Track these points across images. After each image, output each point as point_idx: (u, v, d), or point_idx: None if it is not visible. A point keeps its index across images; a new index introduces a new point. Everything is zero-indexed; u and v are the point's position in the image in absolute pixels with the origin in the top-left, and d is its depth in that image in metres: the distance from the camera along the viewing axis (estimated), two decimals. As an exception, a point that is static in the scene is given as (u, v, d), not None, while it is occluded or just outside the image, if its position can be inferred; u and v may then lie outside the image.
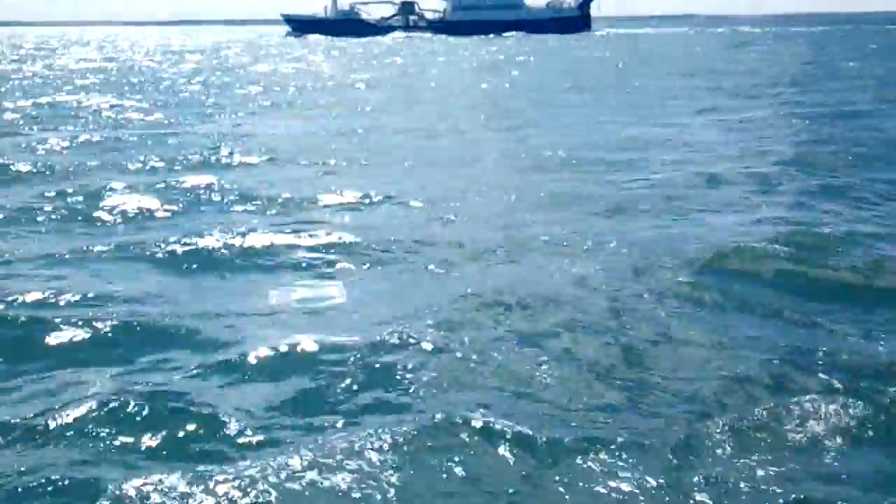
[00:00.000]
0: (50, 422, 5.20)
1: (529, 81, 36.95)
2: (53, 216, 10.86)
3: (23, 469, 4.73)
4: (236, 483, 4.45)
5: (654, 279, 7.99)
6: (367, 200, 11.79)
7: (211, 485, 4.43)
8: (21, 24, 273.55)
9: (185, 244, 9.13)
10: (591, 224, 10.42)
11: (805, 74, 36.13)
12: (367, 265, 8.67)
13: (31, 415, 5.33)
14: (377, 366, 6.07)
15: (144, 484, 4.45)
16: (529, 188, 12.71)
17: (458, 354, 6.25)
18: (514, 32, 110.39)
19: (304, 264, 8.70)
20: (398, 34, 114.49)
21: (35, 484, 4.58)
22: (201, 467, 4.65)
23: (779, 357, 6.21)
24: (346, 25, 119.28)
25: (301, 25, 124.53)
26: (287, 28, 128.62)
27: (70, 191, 12.12)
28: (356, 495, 4.41)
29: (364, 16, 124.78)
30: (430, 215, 10.97)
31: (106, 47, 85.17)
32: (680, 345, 6.52)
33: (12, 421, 5.24)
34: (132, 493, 4.37)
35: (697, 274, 8.10)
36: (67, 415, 5.26)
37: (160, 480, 4.47)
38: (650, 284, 7.83)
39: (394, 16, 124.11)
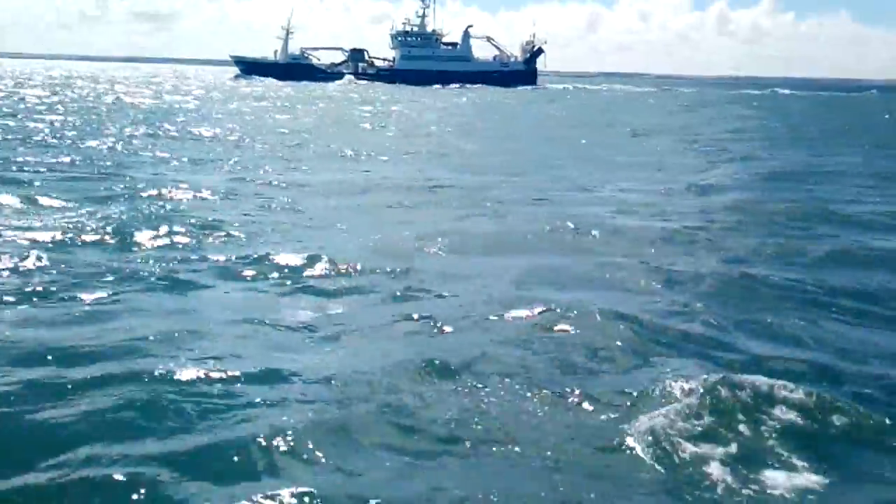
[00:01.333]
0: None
1: (540, 126, 40.18)
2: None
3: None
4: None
5: None
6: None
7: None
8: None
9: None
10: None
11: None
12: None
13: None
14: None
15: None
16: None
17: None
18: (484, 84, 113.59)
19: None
20: (347, 80, 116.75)
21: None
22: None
23: None
24: (296, 70, 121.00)
25: (250, 68, 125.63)
26: (236, 70, 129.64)
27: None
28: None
29: (314, 61, 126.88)
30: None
31: (122, 85, 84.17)
32: None
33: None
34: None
35: None
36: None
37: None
38: None
39: (343, 62, 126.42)
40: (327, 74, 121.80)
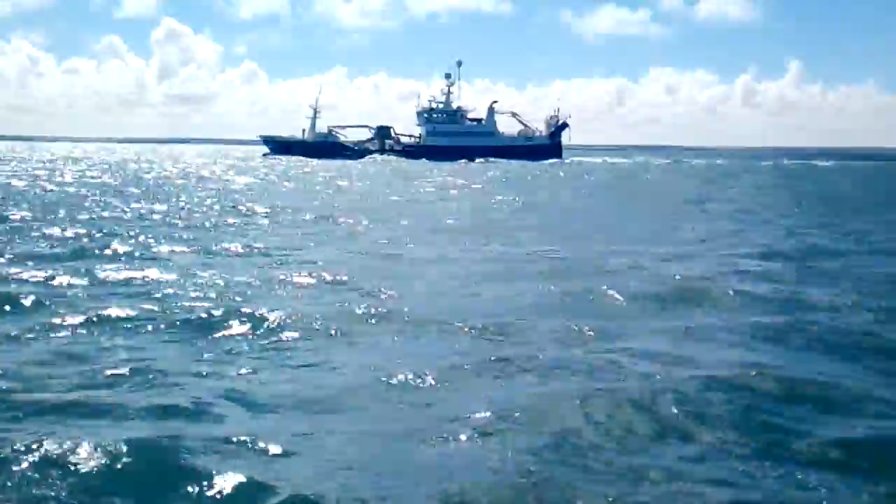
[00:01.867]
0: None
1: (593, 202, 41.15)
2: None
3: None
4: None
5: None
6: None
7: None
8: (16, 139, 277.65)
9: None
10: None
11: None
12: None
13: None
14: None
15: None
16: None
17: None
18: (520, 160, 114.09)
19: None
20: (374, 157, 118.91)
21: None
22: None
23: None
24: (324, 147, 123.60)
25: (278, 147, 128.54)
26: (265, 149, 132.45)
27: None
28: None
29: (341, 139, 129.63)
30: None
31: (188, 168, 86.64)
32: None
33: None
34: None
35: None
36: None
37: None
38: None
39: (370, 139, 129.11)
40: (354, 151, 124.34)
